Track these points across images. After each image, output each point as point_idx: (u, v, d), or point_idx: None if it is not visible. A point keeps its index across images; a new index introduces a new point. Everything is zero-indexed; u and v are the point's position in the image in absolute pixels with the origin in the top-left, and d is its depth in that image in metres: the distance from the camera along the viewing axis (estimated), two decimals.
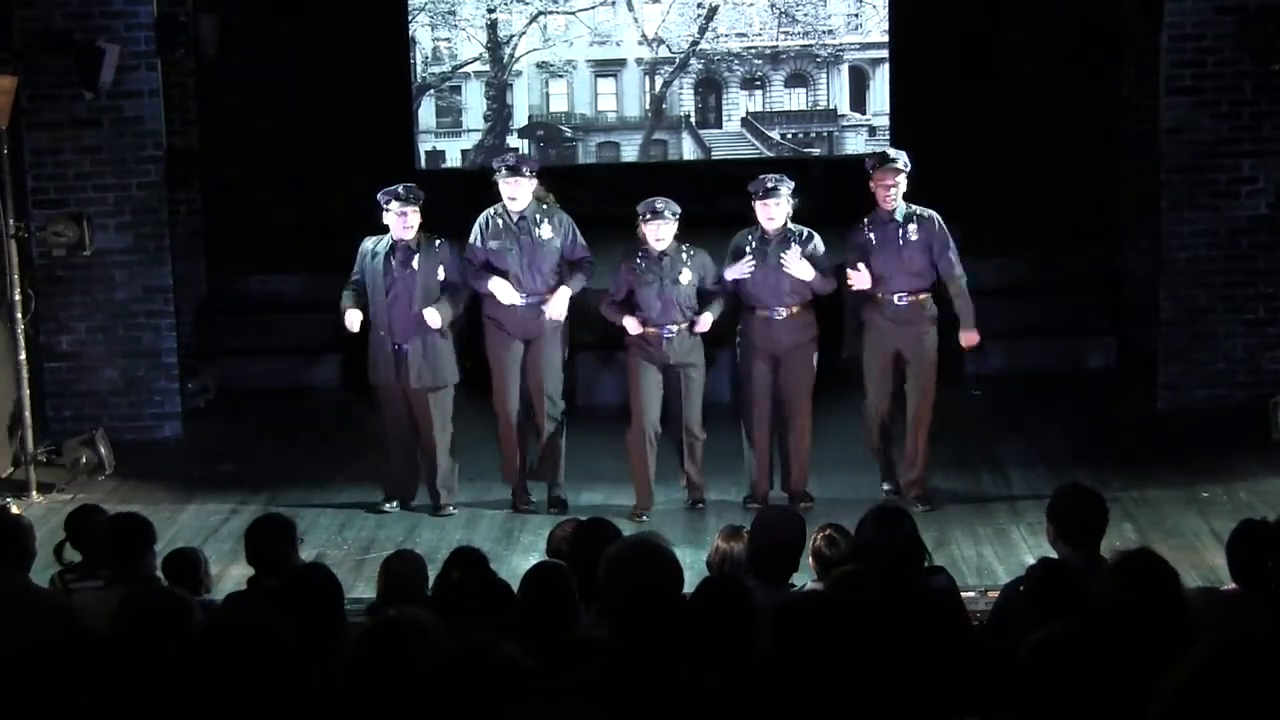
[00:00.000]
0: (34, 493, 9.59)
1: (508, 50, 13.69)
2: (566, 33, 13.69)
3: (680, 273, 8.91)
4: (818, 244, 8.92)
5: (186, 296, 11.55)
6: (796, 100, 13.74)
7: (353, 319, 9.04)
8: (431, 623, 4.06)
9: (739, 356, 9.11)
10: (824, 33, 13.58)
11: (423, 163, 13.66)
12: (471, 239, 9.09)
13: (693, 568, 5.88)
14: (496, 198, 9.11)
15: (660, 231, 8.86)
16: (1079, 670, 3.67)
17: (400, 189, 8.96)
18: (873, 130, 13.59)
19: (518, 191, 8.99)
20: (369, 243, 9.10)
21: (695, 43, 13.67)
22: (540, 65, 13.71)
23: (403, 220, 8.92)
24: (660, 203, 8.88)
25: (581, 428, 9.52)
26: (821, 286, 8.93)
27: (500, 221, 9.05)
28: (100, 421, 10.36)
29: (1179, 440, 10.07)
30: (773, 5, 13.60)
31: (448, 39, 13.72)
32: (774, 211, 8.83)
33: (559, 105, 13.80)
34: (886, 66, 13.51)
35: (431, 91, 13.76)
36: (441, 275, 9.01)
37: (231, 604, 5.88)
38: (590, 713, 3.51)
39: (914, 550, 5.53)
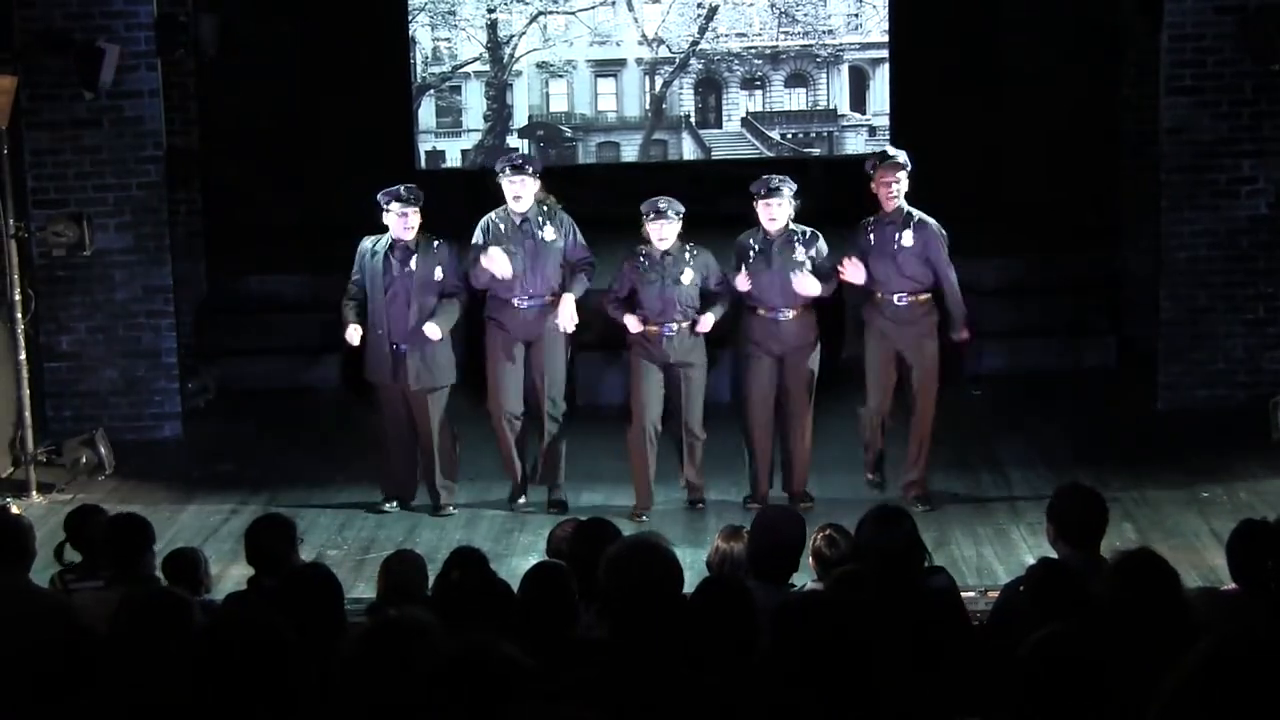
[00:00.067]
0: (34, 493, 9.59)
1: (508, 50, 13.69)
2: (566, 33, 13.69)
3: (682, 272, 8.91)
4: (821, 244, 8.92)
5: (186, 296, 11.55)
6: (796, 100, 13.74)
7: (352, 334, 9.02)
8: (431, 623, 4.06)
9: (740, 356, 9.09)
10: (824, 33, 13.58)
11: (423, 163, 13.66)
12: (475, 241, 9.08)
13: (693, 568, 5.88)
14: (497, 199, 9.11)
15: (663, 231, 8.86)
16: (1079, 670, 3.67)
17: (402, 189, 8.96)
18: (873, 130, 13.59)
19: (522, 191, 8.99)
20: (367, 242, 9.11)
21: (695, 43, 13.67)
22: (540, 65, 13.71)
23: (404, 221, 8.92)
24: (663, 202, 8.88)
25: (582, 428, 9.52)
26: (827, 291, 8.95)
27: (503, 225, 9.04)
28: (100, 421, 10.36)
29: (1179, 440, 10.07)
30: (773, 5, 13.60)
31: (448, 39, 13.72)
32: (776, 212, 8.83)
33: (559, 105, 13.80)
34: (886, 66, 13.51)
35: (431, 91, 13.76)
36: (440, 276, 9.00)
37: (231, 604, 5.88)
38: (590, 713, 3.51)
39: (914, 550, 5.53)
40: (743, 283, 8.84)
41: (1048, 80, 13.26)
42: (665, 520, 8.73)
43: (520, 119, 13.77)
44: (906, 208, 8.86)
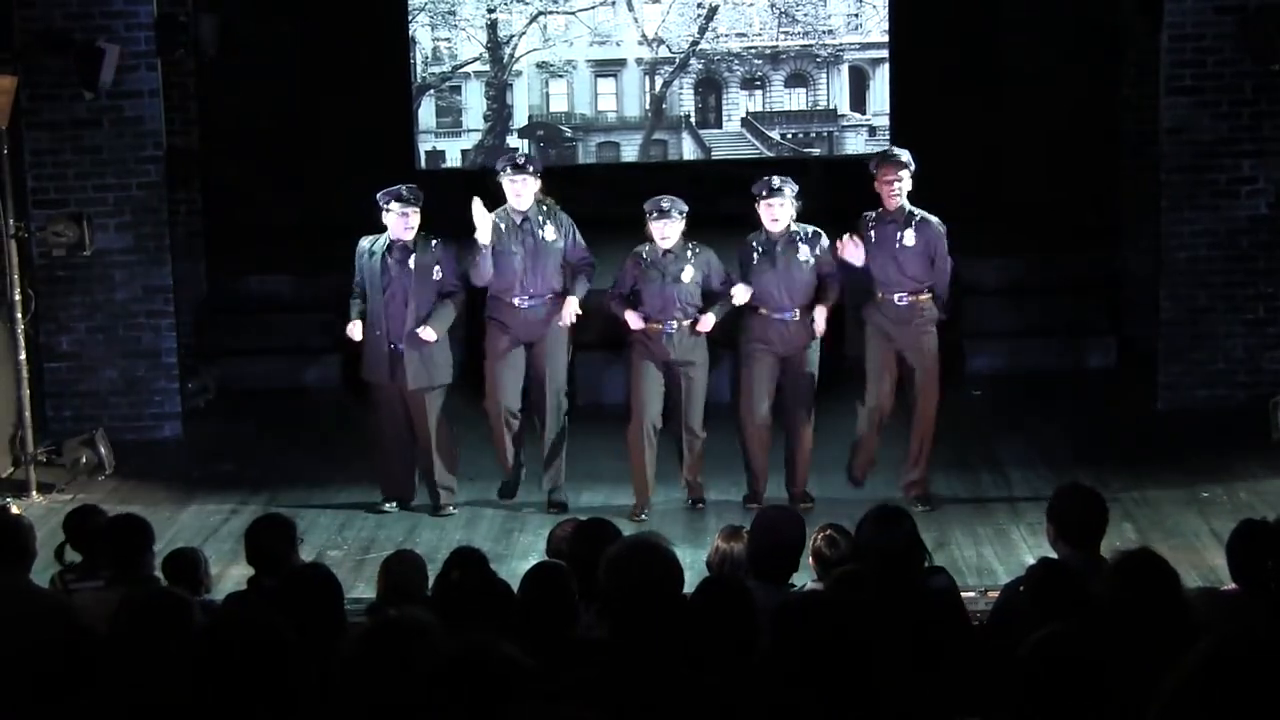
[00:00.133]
0: (34, 493, 9.59)
1: (508, 50, 13.68)
2: (566, 33, 13.69)
3: (683, 270, 8.91)
4: (824, 242, 8.92)
5: (186, 296, 11.55)
6: (796, 100, 13.73)
7: (353, 329, 9.03)
8: (431, 623, 4.06)
9: (741, 355, 9.08)
10: (824, 33, 13.58)
11: (423, 163, 13.66)
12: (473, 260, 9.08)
13: (693, 568, 5.88)
14: (497, 199, 9.11)
15: (666, 230, 8.86)
16: (1079, 670, 3.67)
17: (403, 189, 8.96)
18: (873, 130, 13.59)
19: (523, 190, 8.99)
20: (365, 242, 9.10)
21: (695, 43, 13.67)
22: (540, 65, 13.71)
23: (404, 221, 8.92)
24: (666, 201, 8.89)
25: (582, 428, 9.52)
26: (837, 297, 8.96)
27: (504, 224, 9.04)
28: (100, 421, 10.36)
29: (1179, 440, 10.07)
30: (773, 5, 13.60)
31: (448, 39, 13.72)
32: (778, 212, 8.82)
33: (559, 105, 13.80)
34: (886, 66, 13.51)
35: (431, 91, 13.75)
36: (438, 275, 9.00)
37: (231, 604, 5.88)
38: (590, 713, 3.51)
39: (914, 550, 5.53)
40: (740, 294, 8.82)
41: (1048, 80, 13.27)
42: (665, 520, 8.73)
43: (520, 119, 13.77)
44: (908, 207, 8.86)
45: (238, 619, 4.25)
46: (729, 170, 12.82)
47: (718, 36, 13.64)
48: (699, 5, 13.61)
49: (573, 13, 13.66)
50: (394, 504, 9.24)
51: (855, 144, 13.60)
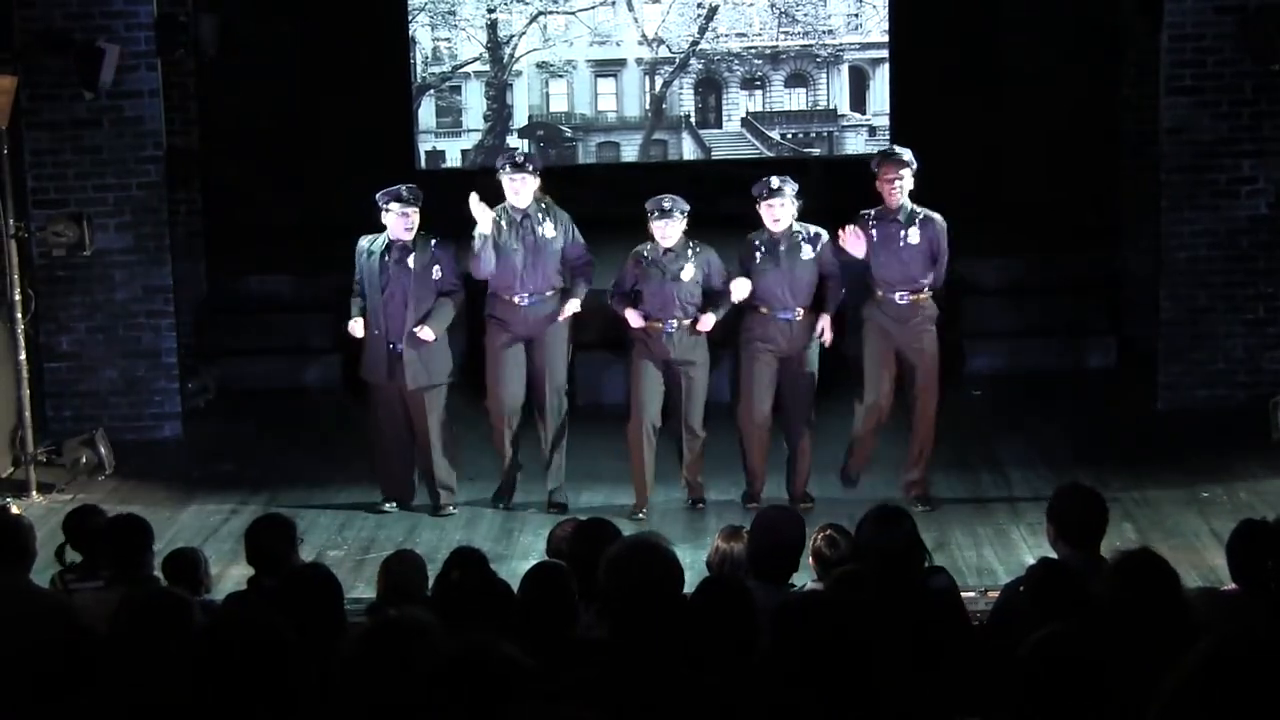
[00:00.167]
0: (34, 493, 9.59)
1: (508, 50, 13.69)
2: (566, 33, 13.69)
3: (682, 269, 8.91)
4: (826, 240, 8.92)
5: (186, 296, 11.55)
6: (796, 100, 13.74)
7: (355, 327, 9.03)
8: (431, 623, 4.06)
9: (741, 355, 9.07)
10: (824, 33, 13.58)
11: (423, 163, 13.66)
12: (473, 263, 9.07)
13: (693, 568, 5.88)
14: (497, 198, 9.11)
15: (667, 230, 8.87)
16: (1079, 670, 3.67)
17: (402, 190, 8.96)
18: (873, 130, 13.59)
19: (522, 188, 9.00)
20: (364, 241, 9.10)
21: (695, 43, 13.67)
22: (540, 65, 13.71)
23: (404, 221, 8.92)
24: (668, 201, 8.89)
25: (581, 428, 9.52)
26: (840, 301, 8.96)
27: (504, 222, 9.04)
28: (100, 421, 10.36)
29: (1179, 440, 10.07)
30: (773, 5, 13.60)
31: (448, 39, 13.72)
32: (779, 213, 8.82)
33: (559, 105, 13.81)
34: (886, 66, 13.51)
35: (431, 91, 13.76)
36: (437, 275, 9.00)
37: (231, 604, 5.88)
38: (590, 713, 3.51)
39: (914, 550, 5.53)
40: (740, 289, 8.82)
41: (1048, 80, 13.27)
42: (665, 520, 8.74)
43: (520, 119, 13.77)
44: (910, 205, 8.86)
45: (238, 619, 4.25)
46: (729, 170, 12.82)
47: (718, 36, 13.65)
48: (699, 5, 13.61)
49: (573, 13, 13.66)
50: (394, 504, 9.24)
51: (855, 144, 13.60)
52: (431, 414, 9.07)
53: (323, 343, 11.92)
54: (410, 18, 13.58)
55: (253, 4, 13.05)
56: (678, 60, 13.70)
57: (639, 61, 13.74)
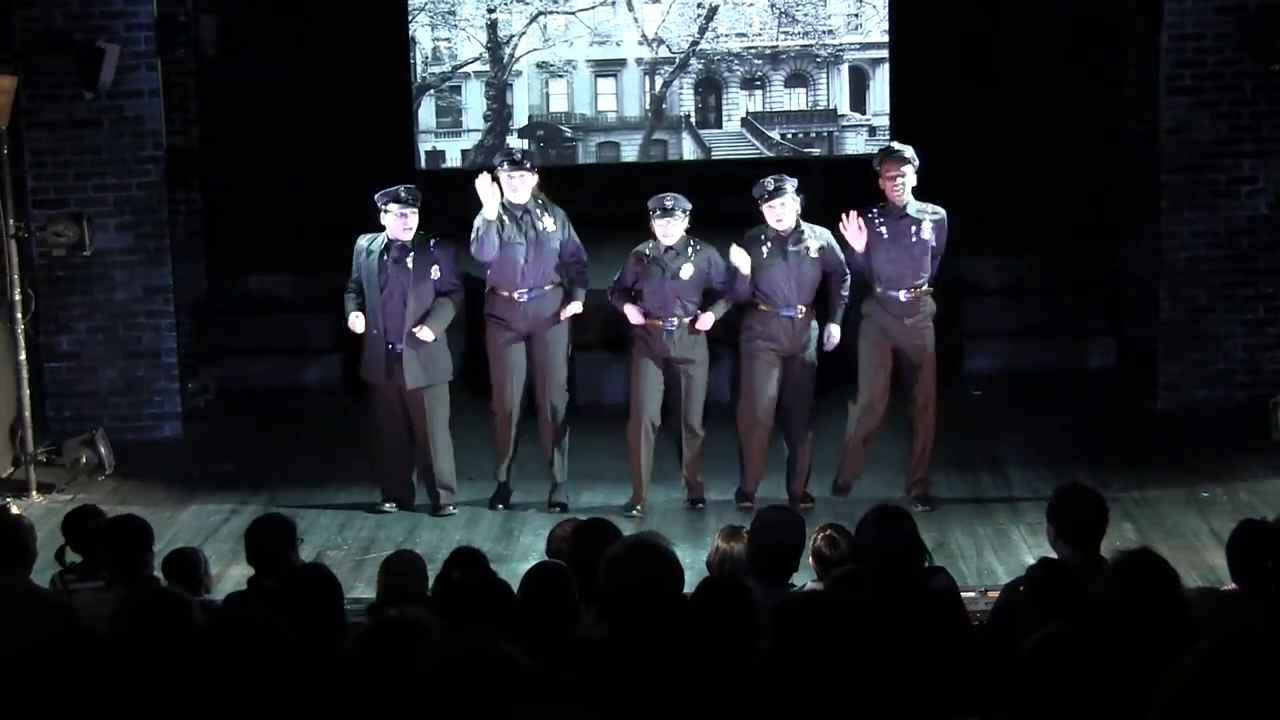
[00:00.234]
0: (34, 493, 9.59)
1: (508, 50, 13.69)
2: (566, 33, 13.69)
3: (682, 267, 8.91)
4: (831, 238, 8.92)
5: (186, 296, 11.55)
6: (796, 100, 13.74)
7: (355, 321, 9.03)
8: (431, 623, 4.06)
9: (743, 353, 9.06)
10: (824, 33, 13.58)
11: (423, 163, 13.66)
12: (472, 245, 9.06)
13: (693, 568, 5.88)
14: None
15: (668, 228, 8.87)
16: (1079, 670, 3.67)
17: (401, 191, 8.96)
18: (873, 130, 13.59)
19: (520, 185, 9.00)
20: (363, 241, 9.10)
21: (695, 43, 13.67)
22: (540, 65, 13.71)
23: (403, 222, 8.92)
24: (670, 200, 8.90)
25: (582, 427, 9.52)
26: (845, 304, 8.96)
27: (505, 216, 9.04)
28: (100, 421, 10.36)
29: (1179, 440, 10.07)
30: (773, 5, 13.60)
31: (448, 39, 13.72)
32: (782, 212, 8.81)
33: (559, 105, 13.81)
34: (886, 66, 13.51)
35: (431, 91, 13.76)
36: (436, 275, 9.00)
37: (231, 604, 5.88)
38: (590, 713, 3.51)
39: (914, 550, 5.53)
40: (739, 258, 8.71)
41: (1048, 80, 13.27)
42: (665, 520, 8.74)
43: (520, 119, 13.77)
44: (914, 202, 8.84)
45: (238, 619, 4.25)
46: (729, 170, 12.82)
47: (718, 36, 13.65)
48: (699, 5, 13.62)
49: (573, 13, 13.66)
50: (393, 504, 9.24)
51: (855, 144, 13.60)
52: (431, 414, 9.07)
53: (323, 343, 11.92)
54: (410, 18, 13.58)
55: (253, 4, 13.05)
56: (678, 60, 13.70)
57: (639, 61, 13.74)
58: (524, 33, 13.66)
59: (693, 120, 13.77)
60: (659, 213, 8.88)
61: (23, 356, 9.70)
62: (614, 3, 13.65)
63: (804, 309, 8.90)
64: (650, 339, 8.99)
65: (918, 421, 9.03)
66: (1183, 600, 4.69)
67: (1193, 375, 10.75)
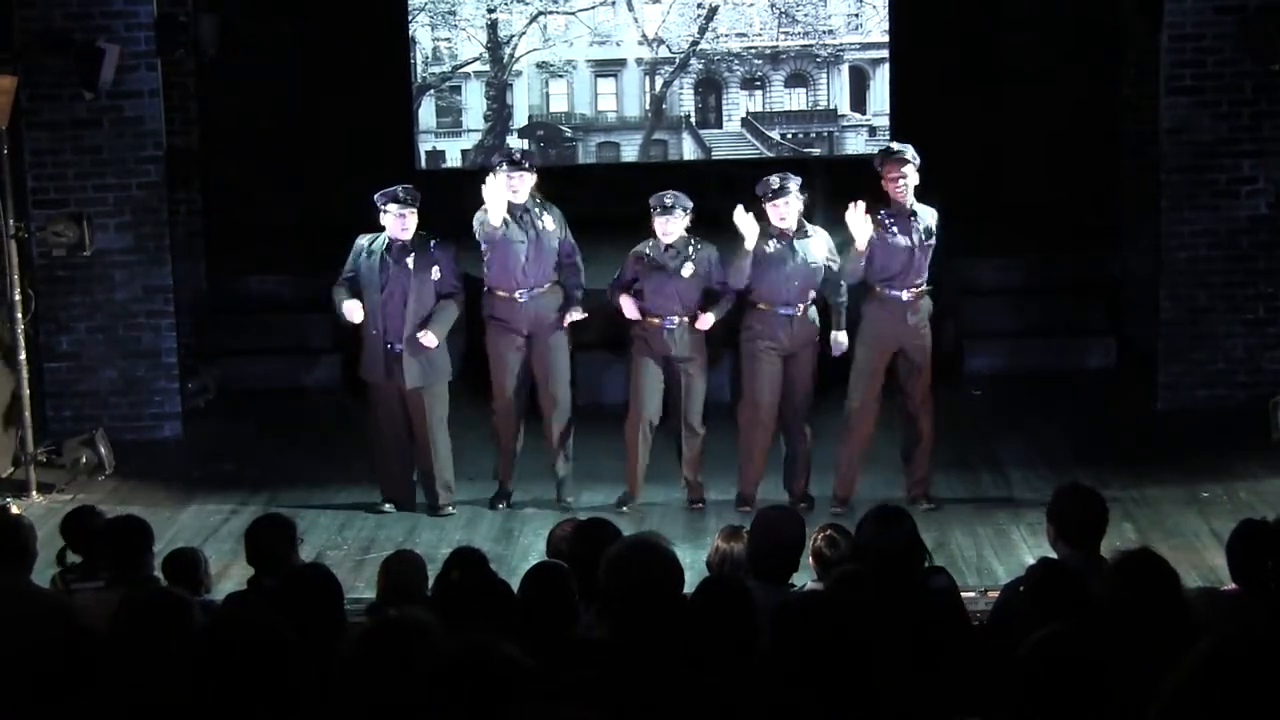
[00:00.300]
0: (34, 493, 9.59)
1: (508, 50, 13.69)
2: (566, 33, 13.69)
3: (683, 266, 8.92)
4: (832, 245, 8.92)
5: (186, 296, 11.55)
6: (796, 100, 13.74)
7: (352, 308, 8.99)
8: (431, 623, 4.06)
9: (744, 353, 9.05)
10: (824, 33, 13.59)
11: (423, 163, 13.67)
12: (477, 231, 9.05)
13: (693, 568, 5.88)
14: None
15: (668, 226, 8.87)
16: (1079, 670, 3.67)
17: (399, 191, 8.96)
18: (873, 130, 13.59)
19: (520, 185, 9.00)
20: (363, 240, 9.09)
21: (695, 43, 13.67)
22: (540, 65, 13.71)
23: (401, 222, 8.92)
24: (670, 198, 8.90)
25: (582, 427, 9.51)
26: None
27: (508, 216, 9.03)
28: (100, 421, 10.36)
29: (1179, 440, 10.07)
30: (773, 5, 13.60)
31: (448, 39, 13.73)
32: (785, 211, 8.79)
33: (559, 105, 13.81)
34: (886, 66, 13.52)
35: (431, 91, 13.76)
36: (437, 275, 9.00)
37: (231, 604, 5.88)
38: (590, 713, 3.51)
39: (914, 550, 5.53)
40: (743, 221, 8.61)
41: (1048, 80, 13.26)
42: (665, 520, 8.74)
43: (520, 119, 13.77)
44: (914, 203, 8.84)
45: (238, 619, 4.26)
46: (729, 170, 12.81)
47: (718, 36, 13.65)
48: (699, 5, 13.62)
49: (573, 13, 13.66)
50: (393, 505, 9.23)
51: (855, 144, 13.61)
52: (431, 414, 9.07)
53: (323, 343, 11.92)
54: (410, 18, 13.59)
55: (253, 4, 13.05)
56: (678, 60, 13.70)
57: (639, 61, 13.75)
58: (524, 33, 13.66)
59: (693, 120, 13.77)
60: (659, 210, 8.88)
61: (23, 356, 9.70)
62: (614, 3, 13.65)
63: (802, 308, 8.89)
64: (650, 337, 8.99)
65: (920, 421, 9.02)
66: (1183, 600, 4.69)
67: (1193, 375, 10.75)
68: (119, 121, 10.41)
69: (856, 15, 13.57)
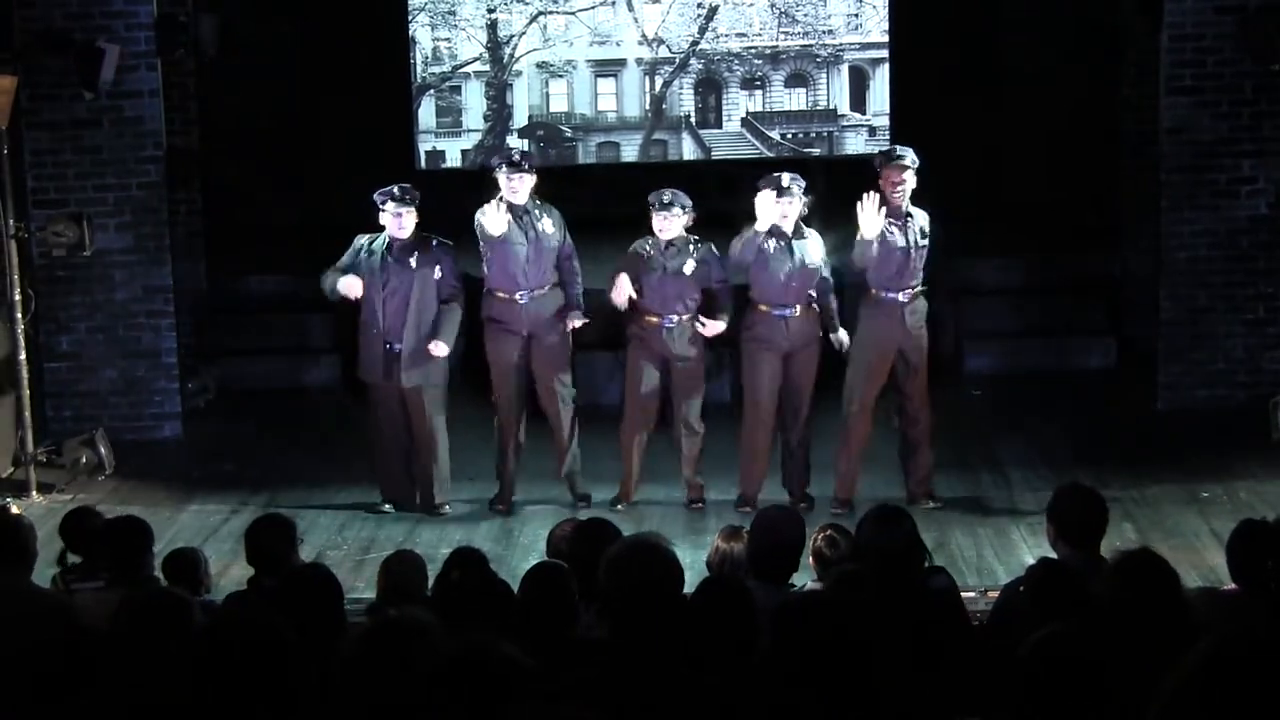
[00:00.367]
0: (34, 493, 9.59)
1: (508, 50, 13.69)
2: (566, 33, 13.69)
3: (684, 264, 8.92)
4: (824, 249, 8.94)
5: (186, 296, 11.55)
6: (796, 100, 13.74)
7: (350, 283, 8.92)
8: (431, 623, 4.06)
9: (744, 354, 9.05)
10: (824, 33, 13.59)
11: (423, 163, 13.67)
12: (478, 229, 9.05)
13: (693, 568, 5.87)
14: (494, 198, 9.08)
15: (666, 223, 8.88)
16: (1079, 670, 3.67)
17: (396, 190, 8.96)
18: (873, 130, 13.60)
19: (520, 187, 9.00)
20: (364, 239, 9.09)
21: (695, 43, 13.67)
22: (540, 65, 13.71)
23: (398, 221, 8.92)
24: (669, 194, 8.91)
25: (582, 427, 9.51)
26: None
27: (508, 216, 9.03)
28: (100, 421, 10.36)
29: (1179, 440, 10.07)
30: (773, 5, 13.60)
31: (448, 39, 13.73)
32: (787, 210, 8.79)
33: (559, 105, 13.81)
34: (886, 66, 13.52)
35: (431, 91, 13.76)
36: (438, 275, 9.00)
37: (231, 604, 5.88)
38: (590, 713, 3.51)
39: (914, 550, 5.53)
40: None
41: (1048, 80, 13.26)
42: (665, 520, 8.74)
43: (520, 119, 13.77)
44: (910, 206, 8.84)
45: (238, 619, 4.26)
46: (729, 170, 12.82)
47: (718, 36, 13.65)
48: (699, 5, 13.62)
49: (573, 13, 13.67)
50: (392, 505, 9.23)
51: (855, 144, 13.61)
52: (430, 413, 9.06)
53: (323, 343, 11.92)
54: (410, 18, 13.59)
55: (253, 4, 13.05)
56: (678, 60, 13.70)
57: (639, 61, 13.75)
58: (524, 33, 13.66)
59: (693, 120, 13.78)
60: (657, 206, 8.89)
61: (23, 356, 9.70)
62: (614, 3, 13.65)
63: (799, 308, 8.89)
64: (648, 336, 8.99)
65: (921, 420, 9.02)
66: (1183, 600, 4.69)
67: (1193, 375, 10.75)
68: (119, 121, 10.41)
69: (856, 15, 13.57)
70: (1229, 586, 5.45)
